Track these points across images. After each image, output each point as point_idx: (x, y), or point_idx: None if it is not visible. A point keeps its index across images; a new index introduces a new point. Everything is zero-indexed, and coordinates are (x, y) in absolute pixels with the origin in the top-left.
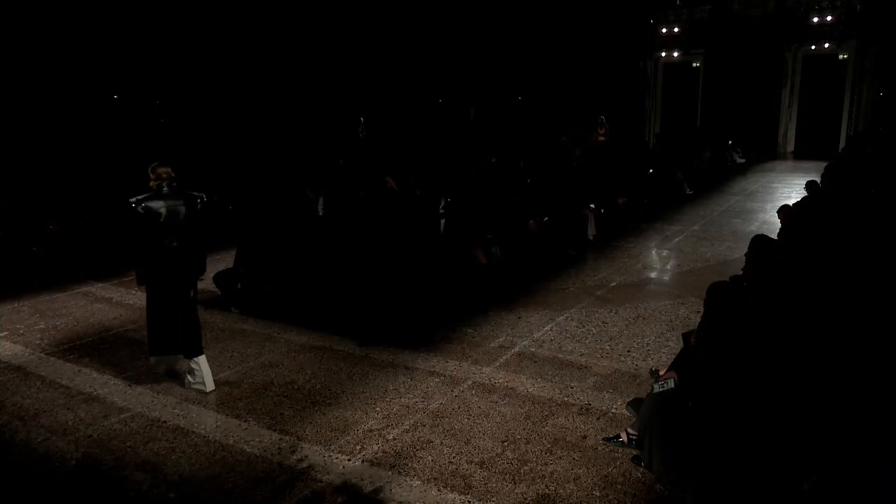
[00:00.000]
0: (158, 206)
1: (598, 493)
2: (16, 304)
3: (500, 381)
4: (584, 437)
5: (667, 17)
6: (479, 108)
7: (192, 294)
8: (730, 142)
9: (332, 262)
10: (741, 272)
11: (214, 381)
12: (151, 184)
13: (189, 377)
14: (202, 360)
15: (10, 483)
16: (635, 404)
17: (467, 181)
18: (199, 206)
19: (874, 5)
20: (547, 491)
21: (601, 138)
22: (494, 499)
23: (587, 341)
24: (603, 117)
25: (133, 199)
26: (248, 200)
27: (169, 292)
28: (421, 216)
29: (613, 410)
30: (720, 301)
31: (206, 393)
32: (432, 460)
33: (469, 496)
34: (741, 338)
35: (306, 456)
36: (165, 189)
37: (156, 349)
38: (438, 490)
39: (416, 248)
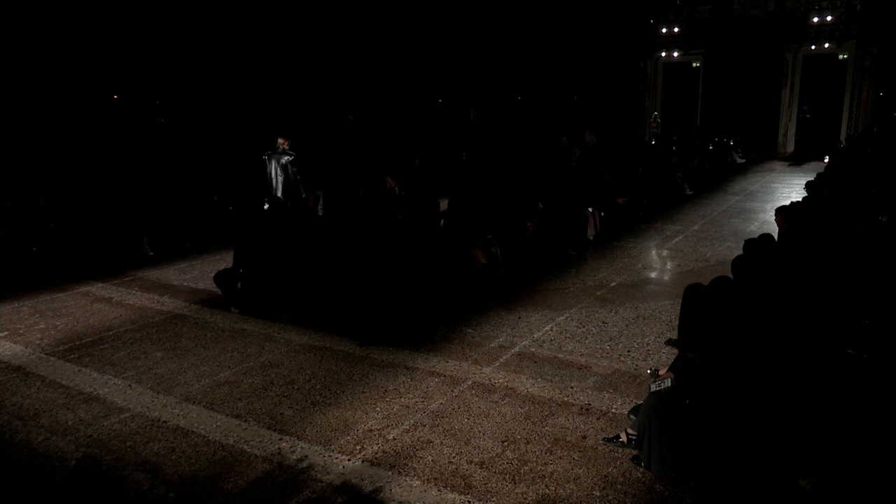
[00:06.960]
0: None
1: (598, 493)
2: (16, 304)
3: (500, 381)
4: (584, 437)
5: (667, 17)
6: (479, 108)
7: None
8: (731, 142)
9: (332, 262)
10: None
11: (214, 380)
12: None
13: None
14: None
15: (9, 483)
16: (636, 412)
17: (467, 181)
18: None
19: (874, 5)
20: (547, 491)
21: (654, 130)
22: (494, 499)
23: (587, 341)
24: (656, 113)
25: None
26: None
27: None
28: (420, 216)
29: (613, 410)
30: (694, 300)
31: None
32: (432, 460)
33: (469, 496)
34: (732, 335)
35: (306, 456)
36: None
37: None
38: (438, 490)
39: (416, 248)
